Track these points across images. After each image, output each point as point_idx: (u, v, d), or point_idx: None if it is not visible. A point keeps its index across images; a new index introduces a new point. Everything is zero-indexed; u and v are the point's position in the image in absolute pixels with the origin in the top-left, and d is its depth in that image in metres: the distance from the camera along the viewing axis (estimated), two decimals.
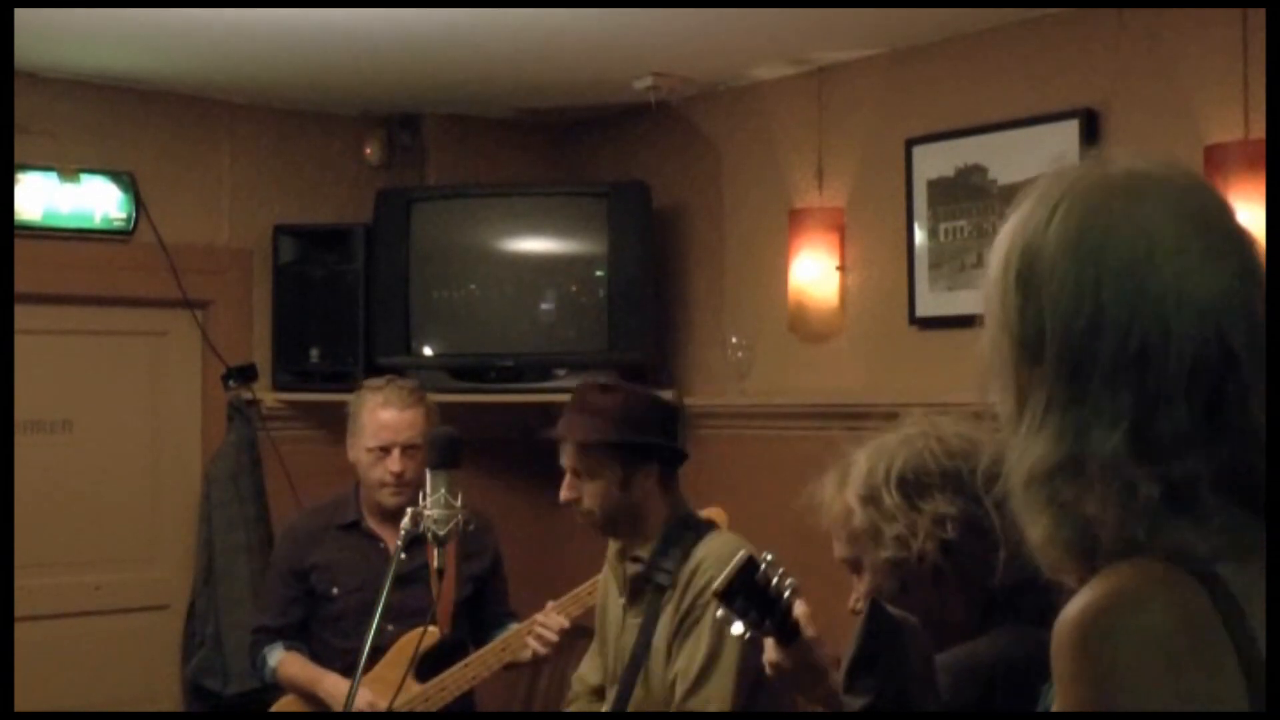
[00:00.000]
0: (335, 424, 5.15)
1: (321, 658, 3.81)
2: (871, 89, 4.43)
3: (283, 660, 3.81)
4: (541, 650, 3.52)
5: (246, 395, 4.87)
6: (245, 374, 4.87)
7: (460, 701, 3.73)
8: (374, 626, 2.77)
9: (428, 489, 2.81)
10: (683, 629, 2.94)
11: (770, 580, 2.12)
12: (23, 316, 4.17)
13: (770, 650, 2.15)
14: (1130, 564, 1.16)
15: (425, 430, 3.81)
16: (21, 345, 4.23)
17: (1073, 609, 1.15)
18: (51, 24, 4.00)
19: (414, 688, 3.66)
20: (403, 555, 3.78)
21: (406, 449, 3.78)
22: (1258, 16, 3.45)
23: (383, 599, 2.79)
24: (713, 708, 2.87)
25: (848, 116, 4.50)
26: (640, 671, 2.99)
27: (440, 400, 4.69)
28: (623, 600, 3.10)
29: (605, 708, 3.13)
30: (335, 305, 4.98)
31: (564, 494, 3.06)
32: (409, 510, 2.83)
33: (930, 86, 4.28)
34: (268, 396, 4.96)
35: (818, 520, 1.98)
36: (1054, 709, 1.17)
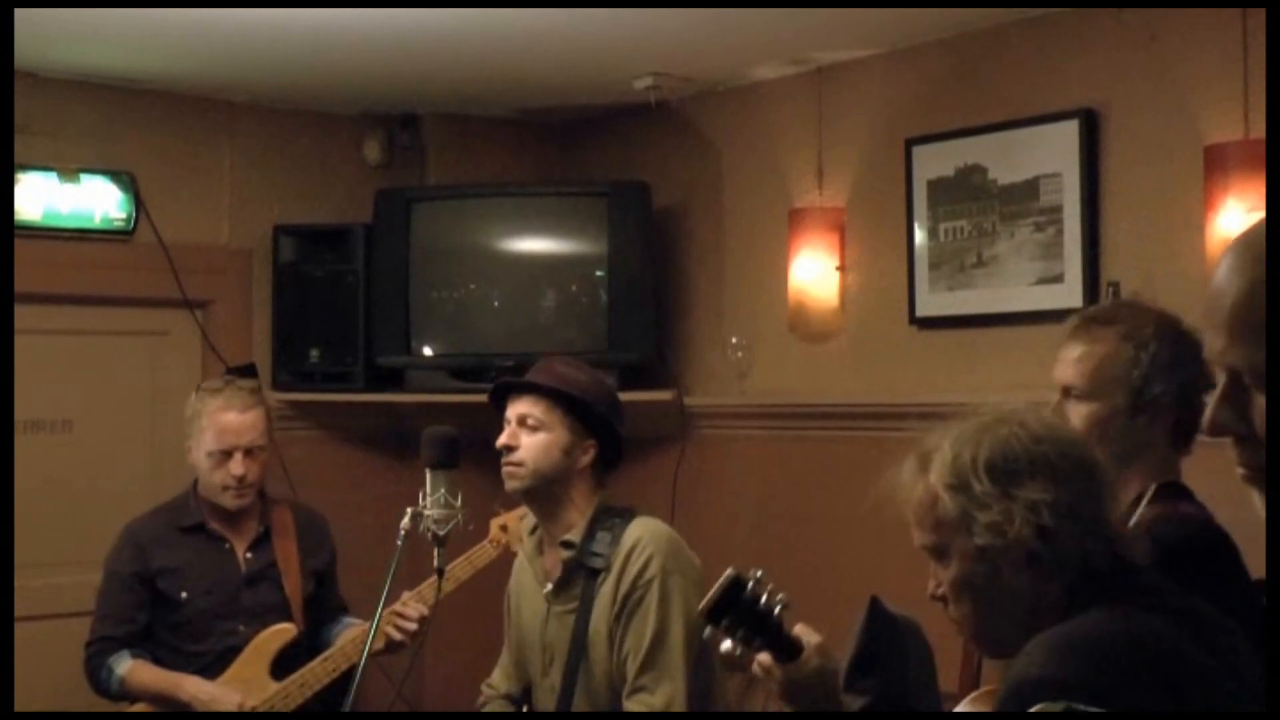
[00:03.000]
0: (335, 424, 5.16)
1: (167, 663, 3.77)
2: (871, 89, 4.43)
3: (132, 668, 3.74)
4: (399, 638, 3.53)
5: None
6: (245, 374, 4.86)
7: (321, 698, 3.72)
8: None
9: (427, 489, 2.81)
10: (626, 610, 2.95)
11: (759, 596, 2.11)
12: (23, 316, 4.16)
13: (771, 669, 2.14)
14: None
15: (267, 430, 3.85)
16: (21, 345, 4.22)
17: None
18: (51, 24, 3.99)
19: (271, 686, 3.69)
20: (249, 555, 3.86)
21: (248, 452, 3.79)
22: (1258, 16, 3.44)
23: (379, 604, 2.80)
24: (665, 685, 2.90)
25: (848, 116, 4.50)
26: (582, 658, 3.00)
27: (440, 400, 4.71)
28: (546, 591, 3.09)
29: (542, 703, 3.12)
30: (335, 305, 4.98)
31: (504, 439, 3.04)
32: (408, 510, 2.83)
33: (930, 86, 4.28)
34: (268, 396, 4.95)
35: (897, 510, 1.96)
36: None
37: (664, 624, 2.93)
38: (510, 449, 3.04)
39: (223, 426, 3.78)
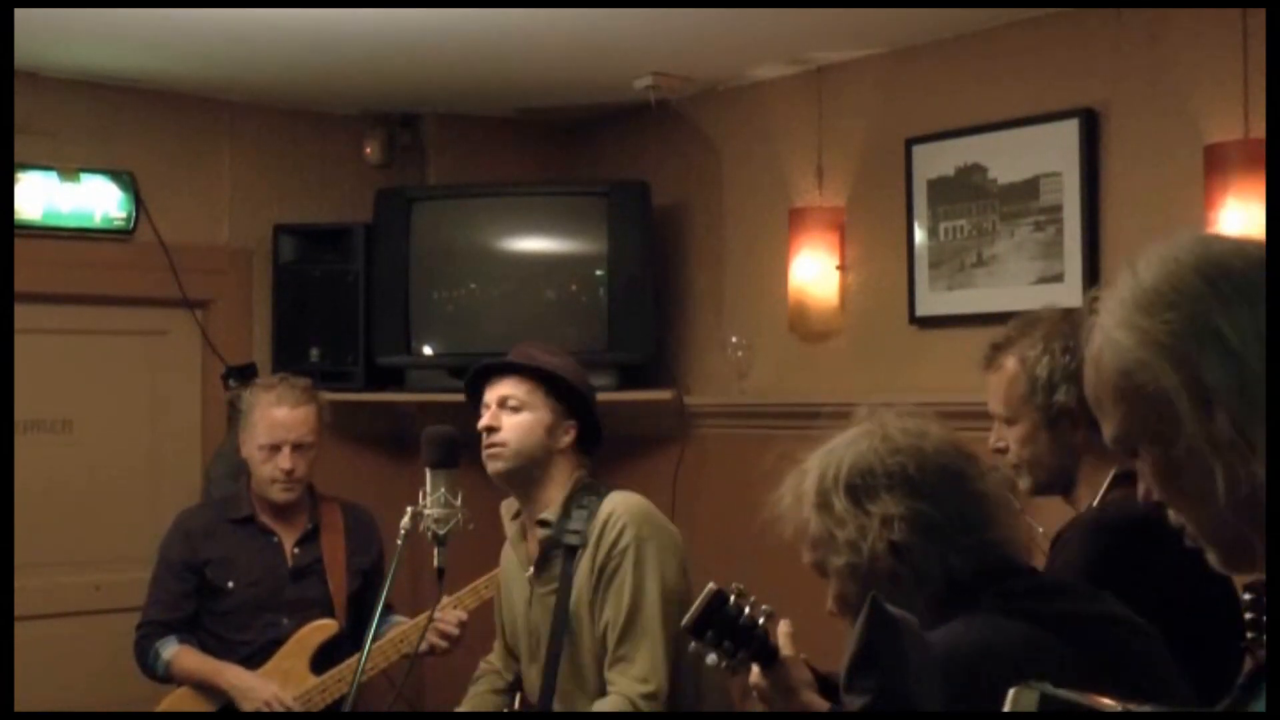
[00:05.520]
0: (335, 424, 5.14)
1: (213, 651, 3.85)
2: (871, 89, 4.43)
3: (178, 653, 3.83)
4: (442, 645, 3.60)
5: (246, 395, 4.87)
6: (245, 373, 4.86)
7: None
8: (377, 621, 2.77)
9: (427, 488, 2.82)
10: (603, 580, 2.97)
11: (742, 610, 2.12)
12: (23, 316, 4.16)
13: (752, 673, 2.15)
14: None
15: (317, 428, 3.90)
16: (21, 345, 4.22)
17: None
18: (51, 24, 4.00)
19: (310, 679, 3.75)
20: (296, 550, 3.93)
21: (297, 447, 3.86)
22: (1258, 16, 3.45)
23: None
24: (644, 652, 2.91)
25: (848, 116, 4.50)
26: (565, 635, 3.01)
27: (440, 400, 4.71)
28: (529, 574, 3.11)
29: (531, 687, 3.14)
30: (335, 305, 4.98)
31: (485, 421, 3.06)
32: (408, 509, 2.83)
33: (930, 86, 4.28)
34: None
35: (783, 531, 1.98)
36: None
37: (640, 591, 2.94)
38: (492, 430, 3.05)
39: (273, 421, 3.85)
